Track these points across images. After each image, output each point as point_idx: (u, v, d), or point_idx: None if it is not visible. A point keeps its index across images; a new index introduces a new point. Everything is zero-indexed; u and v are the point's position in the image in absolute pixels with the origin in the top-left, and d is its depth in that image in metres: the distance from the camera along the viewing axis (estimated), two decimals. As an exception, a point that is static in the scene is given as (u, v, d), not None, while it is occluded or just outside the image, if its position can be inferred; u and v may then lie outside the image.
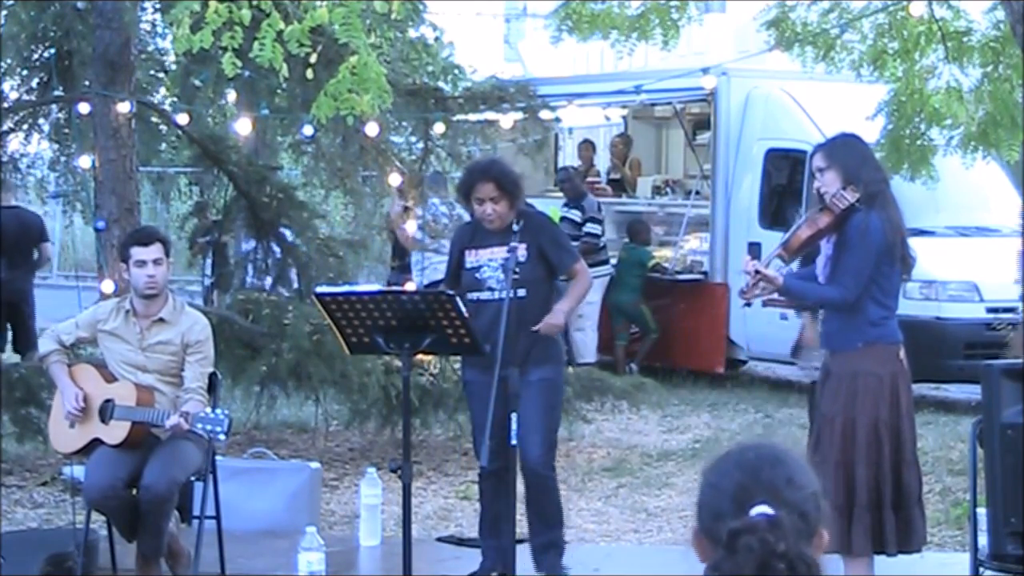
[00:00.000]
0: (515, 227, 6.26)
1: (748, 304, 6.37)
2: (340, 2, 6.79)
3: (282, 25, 6.66)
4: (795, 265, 6.42)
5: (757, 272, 5.88)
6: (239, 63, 6.81)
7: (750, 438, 10.63)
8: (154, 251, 6.24)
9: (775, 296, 6.52)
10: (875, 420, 5.81)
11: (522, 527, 6.60)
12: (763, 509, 2.22)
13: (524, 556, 6.46)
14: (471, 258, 6.41)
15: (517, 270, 6.22)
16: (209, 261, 14.69)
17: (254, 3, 6.69)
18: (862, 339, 5.86)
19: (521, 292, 6.26)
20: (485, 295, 6.34)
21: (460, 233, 6.65)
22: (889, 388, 5.86)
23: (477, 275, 6.36)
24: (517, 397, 5.91)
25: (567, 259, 6.51)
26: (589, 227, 13.60)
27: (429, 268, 13.11)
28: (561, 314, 6.34)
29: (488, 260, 6.36)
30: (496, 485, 6.29)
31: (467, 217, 13.76)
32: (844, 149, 6.01)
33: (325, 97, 6.96)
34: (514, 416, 5.88)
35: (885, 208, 5.88)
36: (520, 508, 6.45)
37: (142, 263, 6.22)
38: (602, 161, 16.30)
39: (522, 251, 6.29)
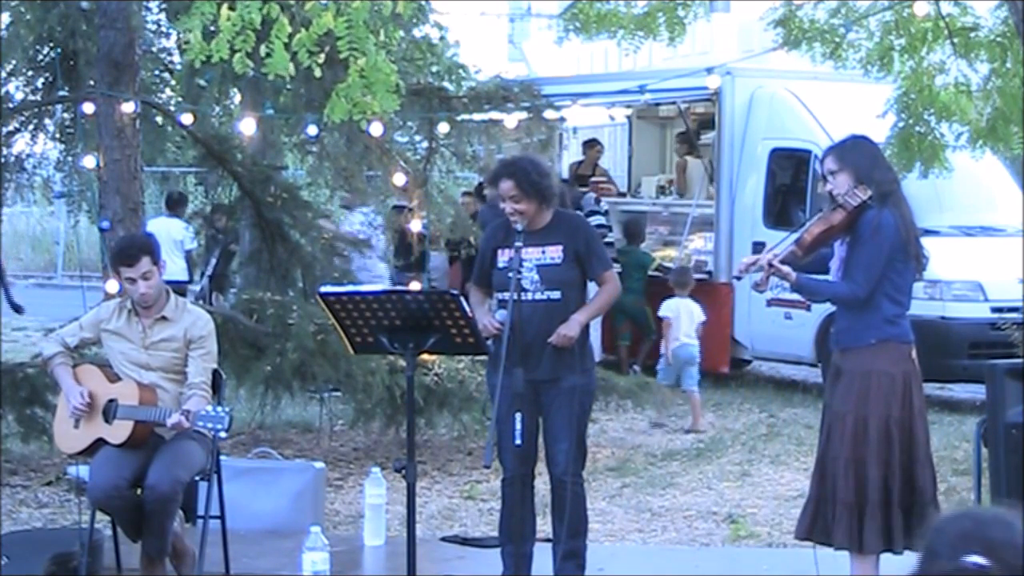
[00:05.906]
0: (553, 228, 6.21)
1: (742, 279, 6.24)
2: (346, 3, 6.76)
3: (289, 30, 6.62)
4: None
5: (771, 265, 5.87)
6: (250, 62, 6.77)
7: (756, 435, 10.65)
8: (141, 267, 6.21)
9: (787, 296, 6.50)
10: (886, 419, 5.79)
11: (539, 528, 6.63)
12: (976, 559, 2.26)
13: (540, 557, 6.44)
14: (504, 257, 6.27)
15: (552, 272, 6.16)
16: (213, 260, 14.69)
17: (262, 9, 6.64)
18: (876, 336, 5.84)
19: (555, 294, 6.20)
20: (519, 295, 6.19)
21: (493, 232, 6.47)
22: (902, 387, 5.84)
23: (511, 275, 6.10)
24: (520, 397, 5.85)
25: (597, 265, 6.35)
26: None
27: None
28: (576, 324, 6.18)
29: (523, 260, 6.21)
30: (519, 490, 6.20)
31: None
32: (855, 151, 6.00)
33: (338, 99, 6.90)
34: (518, 416, 5.82)
35: (898, 206, 5.88)
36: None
37: (131, 280, 6.23)
38: (607, 160, 16.29)
39: (558, 253, 6.22)
